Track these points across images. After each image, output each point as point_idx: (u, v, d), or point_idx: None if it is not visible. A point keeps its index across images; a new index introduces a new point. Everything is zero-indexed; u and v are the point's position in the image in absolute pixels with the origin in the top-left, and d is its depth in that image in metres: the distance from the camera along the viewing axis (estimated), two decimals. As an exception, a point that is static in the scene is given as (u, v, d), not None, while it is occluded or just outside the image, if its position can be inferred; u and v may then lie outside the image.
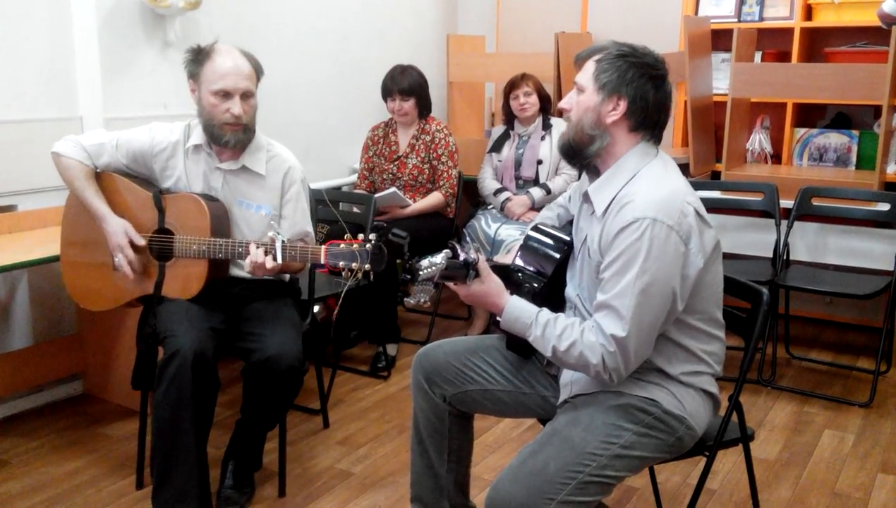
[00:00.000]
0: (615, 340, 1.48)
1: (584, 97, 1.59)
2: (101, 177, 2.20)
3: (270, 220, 2.17)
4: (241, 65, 2.09)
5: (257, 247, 1.99)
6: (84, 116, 2.82)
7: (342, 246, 1.89)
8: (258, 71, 2.15)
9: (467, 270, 1.54)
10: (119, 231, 2.10)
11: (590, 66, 1.59)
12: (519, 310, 1.57)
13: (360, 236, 1.89)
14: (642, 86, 1.55)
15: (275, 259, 1.98)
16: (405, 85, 3.36)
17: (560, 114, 3.45)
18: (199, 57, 2.10)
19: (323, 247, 1.92)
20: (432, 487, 1.86)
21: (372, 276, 1.87)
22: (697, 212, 1.53)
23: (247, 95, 2.10)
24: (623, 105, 1.56)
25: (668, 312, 1.51)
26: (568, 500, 1.47)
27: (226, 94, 2.07)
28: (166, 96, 3.04)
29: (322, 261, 1.91)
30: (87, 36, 2.78)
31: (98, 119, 2.82)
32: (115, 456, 2.49)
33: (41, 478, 2.36)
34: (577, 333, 1.52)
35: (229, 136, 2.10)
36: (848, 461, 2.55)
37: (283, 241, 1.99)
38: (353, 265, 1.86)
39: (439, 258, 1.50)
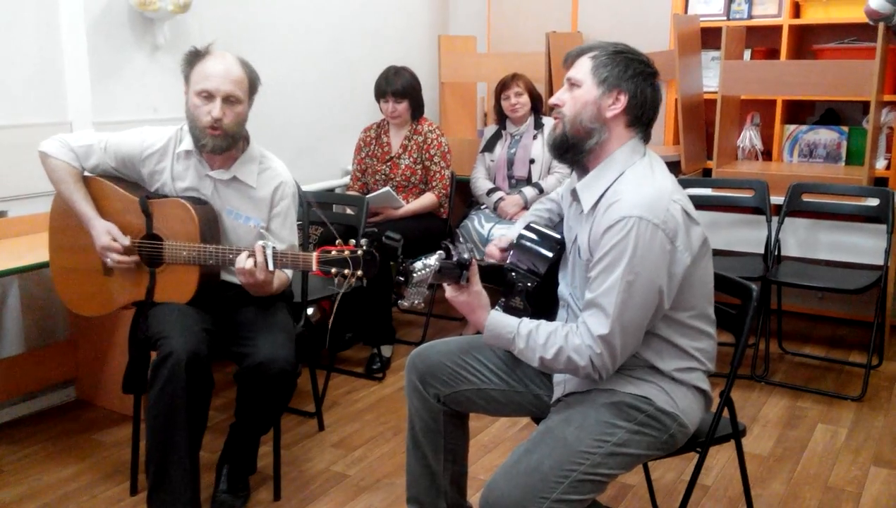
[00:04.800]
0: (601, 340, 1.49)
1: (581, 92, 1.60)
2: (88, 181, 2.17)
3: (260, 230, 2.14)
4: (231, 69, 2.04)
5: (248, 256, 1.96)
6: (74, 121, 2.81)
7: (333, 252, 1.86)
8: (252, 81, 2.09)
9: (461, 271, 1.55)
10: (102, 233, 2.08)
11: (585, 63, 1.60)
12: (500, 326, 1.58)
13: (352, 242, 1.87)
14: (641, 83, 1.58)
15: (266, 267, 1.96)
16: (399, 87, 3.35)
17: (550, 112, 3.44)
18: (193, 58, 2.07)
19: (314, 254, 1.89)
20: (429, 487, 1.86)
21: (365, 282, 1.86)
22: (684, 210, 1.54)
23: (231, 100, 2.04)
24: (623, 99, 1.58)
25: (654, 310, 1.52)
26: (562, 498, 1.47)
27: (208, 96, 2.02)
28: (156, 100, 3.03)
29: (314, 269, 1.89)
30: (76, 40, 2.77)
31: (88, 123, 2.81)
32: (109, 462, 2.48)
33: (35, 485, 2.35)
34: (561, 338, 1.52)
35: (207, 140, 2.05)
36: (841, 454, 2.56)
37: (273, 248, 1.97)
38: (346, 271, 1.84)
39: (433, 259, 1.50)
